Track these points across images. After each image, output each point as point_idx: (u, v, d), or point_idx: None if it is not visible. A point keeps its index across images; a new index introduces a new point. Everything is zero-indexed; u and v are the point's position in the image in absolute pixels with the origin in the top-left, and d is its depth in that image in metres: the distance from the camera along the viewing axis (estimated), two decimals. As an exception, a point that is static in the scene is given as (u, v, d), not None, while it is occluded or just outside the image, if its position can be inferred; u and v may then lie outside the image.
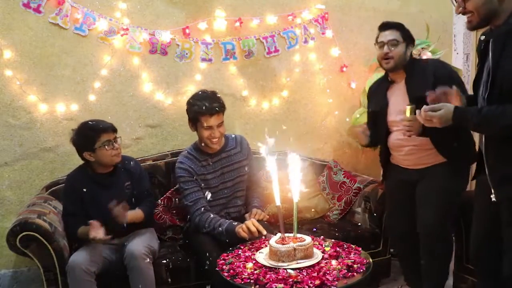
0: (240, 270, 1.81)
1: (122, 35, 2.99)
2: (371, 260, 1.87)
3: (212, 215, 2.40)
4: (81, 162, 2.48)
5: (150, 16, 3.09)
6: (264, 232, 2.20)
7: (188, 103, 2.48)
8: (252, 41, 3.28)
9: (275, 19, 3.33)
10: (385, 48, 2.32)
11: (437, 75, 2.20)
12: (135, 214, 2.44)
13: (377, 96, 2.51)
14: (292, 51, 3.42)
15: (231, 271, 1.82)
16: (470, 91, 1.96)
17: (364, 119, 2.90)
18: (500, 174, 1.74)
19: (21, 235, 2.22)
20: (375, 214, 2.84)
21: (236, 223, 2.31)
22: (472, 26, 1.78)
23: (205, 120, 2.38)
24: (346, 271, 1.75)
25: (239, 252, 2.01)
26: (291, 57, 3.43)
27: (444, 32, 3.69)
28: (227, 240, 2.28)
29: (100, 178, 2.44)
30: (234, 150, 2.59)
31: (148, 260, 2.30)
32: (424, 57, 3.14)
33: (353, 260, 1.83)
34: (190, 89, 3.15)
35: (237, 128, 3.28)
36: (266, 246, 1.98)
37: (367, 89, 2.79)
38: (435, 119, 1.77)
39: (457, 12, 1.79)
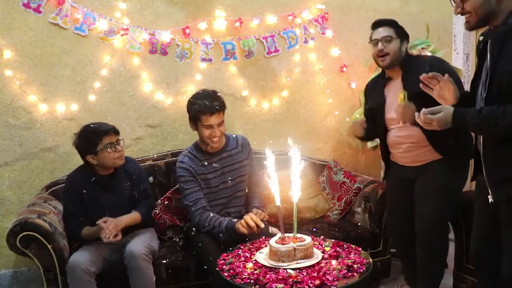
0: (240, 270, 1.81)
1: (122, 35, 2.99)
2: (371, 260, 1.87)
3: (212, 214, 2.40)
4: (81, 162, 2.47)
5: (150, 16, 3.09)
6: (262, 225, 2.22)
7: (189, 102, 2.48)
8: (252, 41, 3.28)
9: (275, 19, 3.33)
10: (379, 45, 2.32)
11: (434, 68, 2.18)
12: (133, 217, 2.44)
13: (374, 93, 2.51)
14: (292, 51, 3.42)
15: (231, 271, 1.82)
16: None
17: (364, 119, 2.91)
18: (497, 175, 1.74)
19: (21, 235, 2.22)
20: (375, 214, 2.85)
21: (235, 219, 2.32)
22: (470, 27, 1.78)
23: (205, 119, 2.38)
24: (346, 271, 1.75)
25: (239, 252, 2.01)
26: (291, 57, 3.43)
27: (444, 32, 3.69)
28: (228, 238, 2.28)
29: (100, 180, 2.44)
30: (235, 150, 2.59)
31: (148, 260, 2.30)
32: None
33: (353, 260, 1.83)
34: (190, 89, 3.15)
35: (237, 128, 3.28)
36: (266, 246, 1.98)
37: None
38: (434, 122, 1.77)
39: (456, 12, 1.79)
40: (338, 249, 1.96)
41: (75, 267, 2.20)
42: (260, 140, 3.11)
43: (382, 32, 2.34)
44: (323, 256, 1.88)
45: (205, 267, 2.24)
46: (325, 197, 3.16)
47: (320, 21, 3.46)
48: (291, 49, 3.41)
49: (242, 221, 2.25)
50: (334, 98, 3.57)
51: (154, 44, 3.08)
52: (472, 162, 1.99)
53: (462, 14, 1.77)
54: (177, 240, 2.76)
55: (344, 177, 3.16)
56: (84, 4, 2.93)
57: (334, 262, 1.82)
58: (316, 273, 1.72)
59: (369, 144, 3.35)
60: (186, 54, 3.16)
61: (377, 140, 2.80)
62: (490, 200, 1.77)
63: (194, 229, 2.52)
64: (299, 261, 1.80)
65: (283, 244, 1.83)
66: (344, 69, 3.56)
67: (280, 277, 1.70)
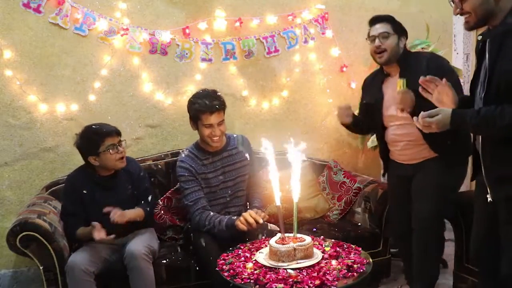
0: (240, 270, 1.81)
1: (122, 35, 2.99)
2: (371, 260, 1.87)
3: (212, 213, 2.41)
4: (81, 162, 2.47)
5: (150, 16, 3.09)
6: (261, 221, 2.22)
7: (189, 101, 2.48)
8: (252, 41, 3.28)
9: (275, 19, 3.33)
10: (377, 42, 2.30)
11: (430, 67, 2.19)
12: (136, 212, 2.43)
13: (372, 89, 2.50)
14: (292, 51, 3.42)
15: (231, 271, 1.82)
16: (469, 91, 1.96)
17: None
18: (495, 174, 1.75)
19: (21, 235, 2.22)
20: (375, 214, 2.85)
21: (235, 217, 2.32)
22: (469, 27, 1.78)
23: (205, 118, 2.39)
24: (346, 271, 1.74)
25: (239, 252, 2.01)
26: (291, 57, 3.43)
27: (444, 32, 3.69)
28: (228, 236, 2.29)
29: (101, 180, 2.44)
30: (236, 150, 2.59)
31: (148, 260, 2.30)
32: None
33: (353, 260, 1.83)
34: (190, 89, 3.15)
35: (237, 128, 3.28)
36: (266, 246, 1.98)
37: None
38: (433, 125, 1.77)
39: (455, 13, 1.79)
40: (338, 249, 1.96)
41: (74, 267, 2.20)
42: (260, 140, 3.10)
43: (379, 28, 2.32)
44: (323, 256, 1.88)
45: (198, 268, 2.23)
46: (325, 197, 3.16)
47: (320, 21, 3.46)
48: (291, 49, 3.41)
49: (241, 218, 2.25)
50: (334, 98, 3.57)
51: (154, 44, 3.08)
52: (471, 161, 1.99)
53: (461, 15, 1.77)
54: (177, 240, 2.76)
55: (344, 177, 3.16)
56: (84, 4, 2.93)
57: (334, 262, 1.82)
58: (316, 273, 1.72)
59: (369, 144, 3.35)
60: (186, 54, 3.16)
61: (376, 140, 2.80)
62: (489, 199, 1.78)
63: (190, 227, 2.53)
64: (299, 261, 1.80)
65: (283, 244, 1.83)
66: (344, 69, 3.56)
67: (280, 277, 1.70)
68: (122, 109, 3.08)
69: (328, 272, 1.73)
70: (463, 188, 2.93)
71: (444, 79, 1.86)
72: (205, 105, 2.38)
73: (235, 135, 2.67)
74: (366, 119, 2.54)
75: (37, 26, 2.87)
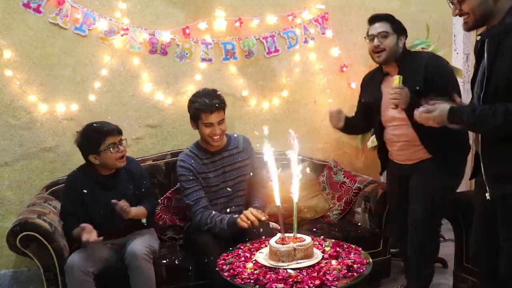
0: (240, 270, 1.81)
1: (122, 35, 2.99)
2: (371, 260, 1.87)
3: (213, 212, 2.41)
4: (81, 162, 2.47)
5: (150, 16, 3.09)
6: (263, 218, 2.22)
7: (190, 101, 2.49)
8: (252, 41, 3.28)
9: (275, 19, 3.33)
10: (375, 41, 2.29)
11: (429, 68, 2.19)
12: (138, 210, 2.43)
13: (371, 88, 2.48)
14: (292, 51, 3.42)
15: (231, 271, 1.82)
16: (469, 91, 1.97)
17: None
18: (494, 172, 1.76)
19: (21, 235, 2.22)
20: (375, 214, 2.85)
21: (236, 215, 2.33)
22: (468, 27, 1.79)
23: (205, 117, 2.39)
24: (346, 271, 1.74)
25: (239, 252, 2.01)
26: (291, 57, 3.43)
27: (444, 32, 3.69)
28: (230, 234, 2.30)
29: (102, 180, 2.43)
30: (236, 150, 2.60)
31: (149, 260, 2.30)
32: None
33: (353, 260, 1.83)
34: (190, 89, 3.15)
35: (237, 128, 3.28)
36: (266, 246, 1.98)
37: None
38: (431, 121, 1.78)
39: (454, 14, 1.80)
40: (338, 249, 1.96)
41: (73, 267, 2.20)
42: (260, 140, 3.10)
43: (378, 27, 2.31)
44: (323, 256, 1.88)
45: (201, 269, 2.23)
46: (325, 197, 3.16)
47: (320, 21, 3.46)
48: (291, 49, 3.41)
49: (243, 215, 2.26)
50: (334, 98, 3.57)
51: (154, 44, 3.08)
52: (469, 162, 1.99)
53: (460, 16, 1.78)
54: (177, 240, 2.76)
55: (344, 177, 3.16)
56: (84, 4, 2.93)
57: (334, 262, 1.82)
58: (316, 273, 1.72)
59: (369, 144, 3.35)
60: (186, 54, 3.16)
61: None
62: (488, 197, 1.78)
63: (190, 227, 2.53)
64: (299, 261, 1.80)
65: (283, 244, 1.83)
66: (344, 69, 3.56)
67: (280, 277, 1.70)
68: (122, 109, 3.08)
69: (328, 272, 1.73)
70: (463, 187, 2.94)
71: (457, 99, 1.84)
72: (205, 104, 2.38)
73: (235, 135, 2.67)
74: (364, 118, 2.53)
75: (37, 26, 2.86)
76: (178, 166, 2.50)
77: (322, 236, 2.17)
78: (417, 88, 2.15)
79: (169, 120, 3.20)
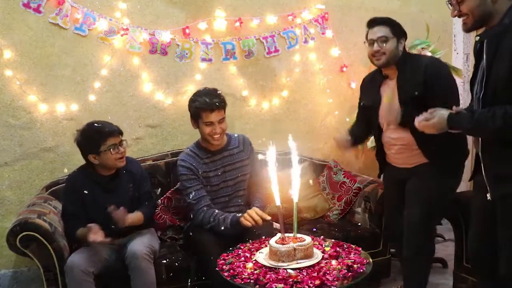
0: (240, 270, 1.81)
1: (122, 35, 2.99)
2: (371, 260, 1.87)
3: (216, 211, 2.41)
4: (81, 162, 2.47)
5: (150, 16, 3.09)
6: (268, 218, 2.21)
7: (190, 100, 2.49)
8: (252, 41, 3.28)
9: (275, 19, 3.33)
10: (375, 46, 2.26)
11: (428, 74, 2.16)
12: (135, 216, 2.42)
13: (370, 90, 2.46)
14: (292, 51, 3.43)
15: (231, 271, 1.82)
16: (469, 92, 1.97)
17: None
18: (495, 172, 1.76)
19: (21, 235, 2.21)
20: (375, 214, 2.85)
21: (240, 214, 2.33)
22: (467, 28, 1.79)
23: (205, 115, 2.39)
24: (346, 271, 1.74)
25: (239, 252, 2.01)
26: (291, 57, 3.43)
27: (444, 32, 3.69)
28: (233, 233, 2.31)
29: (102, 180, 2.43)
30: (237, 149, 2.60)
31: (150, 260, 2.30)
32: (422, 54, 3.13)
33: (353, 260, 1.83)
34: (190, 89, 3.15)
35: (237, 128, 3.28)
36: (266, 246, 1.98)
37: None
38: (431, 128, 1.79)
39: (453, 15, 1.80)
40: (338, 249, 1.96)
41: (73, 267, 2.20)
42: (260, 140, 3.11)
43: (378, 32, 2.27)
44: (323, 256, 1.88)
45: (198, 268, 2.22)
46: (325, 197, 3.16)
47: (320, 21, 3.46)
48: (291, 49, 3.41)
49: (246, 215, 2.26)
50: (334, 98, 3.57)
51: (154, 44, 3.09)
52: (468, 164, 2.00)
53: (459, 16, 1.78)
54: (177, 240, 2.76)
55: (344, 177, 3.16)
56: (84, 4, 2.93)
57: (334, 262, 1.81)
58: (316, 273, 1.72)
59: (369, 144, 3.34)
60: (186, 54, 3.16)
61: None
62: (489, 198, 1.78)
63: (190, 226, 2.53)
64: (299, 261, 1.79)
65: (283, 244, 1.83)
66: (344, 69, 3.56)
67: (280, 277, 1.70)
68: (122, 109, 3.08)
69: (328, 272, 1.73)
70: (463, 187, 2.94)
71: (454, 108, 1.83)
72: (205, 102, 2.38)
73: (236, 135, 2.67)
74: (366, 122, 2.51)
75: (37, 26, 2.86)
76: (179, 165, 2.50)
77: (322, 236, 2.17)
78: (416, 93, 2.14)
79: (169, 120, 3.20)
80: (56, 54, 2.92)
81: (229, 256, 1.97)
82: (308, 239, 1.88)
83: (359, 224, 2.95)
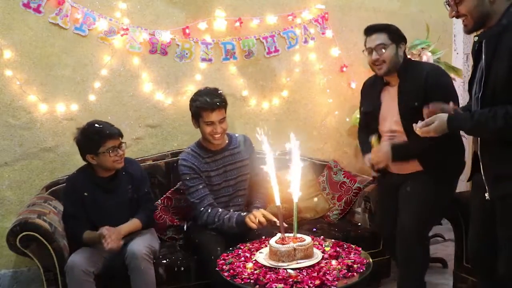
0: (240, 270, 1.81)
1: (122, 35, 2.99)
2: (371, 260, 1.87)
3: (220, 210, 2.42)
4: (81, 163, 2.46)
5: (150, 16, 3.09)
6: (274, 219, 2.21)
7: (191, 99, 2.49)
8: (252, 41, 3.28)
9: (275, 19, 3.33)
10: (374, 54, 2.23)
11: (429, 83, 2.14)
12: (132, 225, 2.42)
13: (370, 96, 2.43)
14: (292, 51, 3.43)
15: (231, 271, 1.82)
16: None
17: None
18: (494, 172, 1.76)
19: (21, 235, 2.21)
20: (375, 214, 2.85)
21: (244, 213, 2.34)
22: (468, 30, 1.79)
23: (206, 115, 2.39)
24: (346, 271, 1.74)
25: (239, 252, 2.01)
26: (291, 57, 3.43)
27: (444, 32, 3.69)
28: (237, 232, 2.32)
29: (101, 182, 2.42)
30: (238, 149, 2.60)
31: (149, 260, 2.30)
32: (424, 57, 3.12)
33: (353, 260, 1.83)
34: (190, 89, 3.15)
35: (237, 128, 3.28)
36: (266, 246, 1.98)
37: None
38: (432, 133, 1.80)
39: (451, 16, 1.80)
40: (338, 249, 1.96)
41: (73, 267, 2.20)
42: (259, 140, 3.10)
43: (376, 40, 2.23)
44: (323, 256, 1.88)
45: (198, 268, 2.22)
46: (325, 197, 3.16)
47: (320, 21, 3.46)
48: (291, 49, 3.41)
49: (252, 216, 2.26)
50: (334, 98, 3.57)
51: (154, 44, 3.09)
52: (468, 164, 1.99)
53: (457, 17, 1.78)
54: (177, 240, 2.76)
55: (344, 177, 3.16)
56: (84, 4, 2.93)
57: (334, 262, 1.82)
58: (316, 273, 1.72)
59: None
60: (186, 54, 3.16)
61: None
62: (487, 197, 1.78)
63: (190, 226, 2.56)
64: (299, 261, 1.80)
65: (283, 244, 1.83)
66: (344, 69, 3.56)
67: (280, 277, 1.70)
68: (122, 109, 3.08)
69: (328, 272, 1.73)
70: (463, 188, 2.94)
71: (451, 104, 1.84)
72: (206, 102, 2.38)
73: (237, 135, 2.68)
74: (368, 129, 2.46)
75: (37, 26, 2.86)
76: (181, 165, 2.50)
77: (322, 236, 2.17)
78: (416, 104, 2.10)
79: (169, 120, 3.20)
80: (56, 54, 2.92)
81: (229, 256, 1.97)
82: (308, 239, 1.88)
83: (359, 224, 2.95)
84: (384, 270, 2.87)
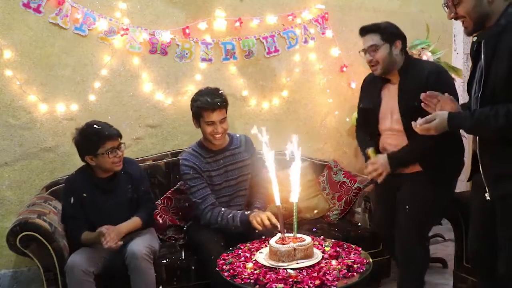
0: (240, 270, 1.81)
1: (122, 35, 2.99)
2: (371, 260, 1.87)
3: (223, 209, 2.42)
4: (81, 163, 2.46)
5: (150, 16, 3.09)
6: (278, 225, 2.21)
7: (192, 99, 2.49)
8: (252, 41, 3.28)
9: (275, 19, 3.33)
10: (367, 56, 2.23)
11: (430, 83, 2.12)
12: (133, 223, 2.42)
13: (370, 92, 2.40)
14: (292, 51, 3.42)
15: (231, 271, 1.82)
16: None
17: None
18: (494, 172, 1.76)
19: (21, 235, 2.22)
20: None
21: (248, 212, 2.35)
22: (468, 32, 1.78)
23: (207, 115, 2.39)
24: (346, 271, 1.75)
25: (239, 252, 2.01)
26: (291, 57, 3.43)
27: (444, 32, 3.69)
28: (241, 231, 2.34)
29: (100, 182, 2.42)
30: (239, 149, 2.60)
31: (149, 260, 2.29)
32: (424, 57, 3.12)
33: (353, 260, 1.83)
34: (190, 89, 3.15)
35: (237, 128, 3.28)
36: (266, 246, 1.98)
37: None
38: (432, 130, 1.79)
39: (449, 17, 1.79)
40: (338, 249, 1.96)
41: (73, 267, 2.20)
42: (259, 140, 3.10)
43: (368, 40, 2.23)
44: (323, 256, 1.88)
45: (197, 267, 2.23)
46: (325, 197, 3.16)
47: (320, 21, 3.46)
48: (291, 49, 3.41)
49: (258, 219, 2.26)
50: (334, 98, 3.57)
51: (154, 44, 3.08)
52: (466, 164, 1.99)
53: (455, 19, 1.78)
54: (177, 240, 2.76)
55: (344, 177, 3.16)
56: (84, 4, 2.93)
57: (334, 262, 1.82)
58: (316, 273, 1.72)
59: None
60: (186, 54, 3.16)
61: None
62: (487, 197, 1.78)
63: (190, 226, 2.56)
64: (299, 261, 1.80)
65: (283, 244, 1.83)
66: (344, 69, 3.56)
67: (280, 277, 1.70)
68: (122, 109, 3.08)
69: (328, 272, 1.73)
70: (463, 188, 2.94)
71: (446, 94, 1.86)
72: (207, 102, 2.38)
73: (238, 135, 2.68)
74: (367, 126, 2.46)
75: (37, 26, 2.86)
76: (182, 165, 2.50)
77: (322, 236, 2.17)
78: (416, 104, 2.06)
79: (169, 120, 3.20)
80: (56, 54, 2.92)
81: (229, 256, 1.97)
82: (308, 239, 1.88)
83: (359, 224, 2.95)
84: (384, 270, 2.87)
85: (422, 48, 3.18)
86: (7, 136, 2.87)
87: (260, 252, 1.95)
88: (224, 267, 1.86)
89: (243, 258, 1.93)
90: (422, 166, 2.23)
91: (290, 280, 1.67)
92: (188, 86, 3.19)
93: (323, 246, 2.01)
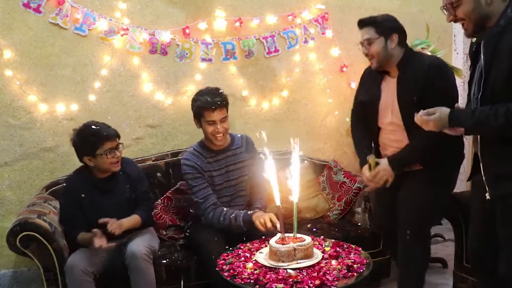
0: (240, 270, 1.81)
1: (122, 35, 2.99)
2: (371, 260, 1.87)
3: (225, 209, 2.42)
4: (80, 163, 2.47)
5: (150, 16, 3.09)
6: (278, 226, 2.21)
7: (192, 99, 2.49)
8: (252, 41, 3.28)
9: (275, 19, 3.33)
10: (363, 49, 2.23)
11: (429, 77, 2.11)
12: (132, 220, 2.42)
13: (369, 85, 2.37)
14: (292, 51, 3.42)
15: (231, 271, 1.82)
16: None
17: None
18: (494, 172, 1.75)
19: (21, 235, 2.22)
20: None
21: (250, 211, 2.36)
22: (468, 34, 1.78)
23: (208, 114, 2.39)
24: (346, 271, 1.75)
25: (239, 252, 2.01)
26: (291, 57, 3.43)
27: (444, 32, 3.69)
28: (243, 231, 2.34)
29: (99, 183, 2.42)
30: (240, 149, 2.60)
31: (149, 260, 2.29)
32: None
33: (353, 260, 1.83)
34: (190, 89, 3.15)
35: (237, 128, 3.28)
36: (266, 246, 1.98)
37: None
38: (431, 123, 1.77)
39: (449, 20, 1.79)
40: (338, 249, 1.96)
41: (73, 267, 2.20)
42: (260, 140, 3.10)
43: (364, 33, 2.22)
44: (323, 256, 1.88)
45: (197, 267, 2.23)
46: (325, 197, 3.16)
47: (320, 21, 3.46)
48: (291, 49, 3.41)
49: (262, 220, 2.25)
50: (334, 98, 3.57)
51: (154, 44, 3.08)
52: (466, 164, 1.99)
53: (455, 21, 1.78)
54: (177, 240, 2.76)
55: (344, 177, 3.16)
56: (84, 4, 2.93)
57: (334, 262, 1.82)
58: (316, 273, 1.72)
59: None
60: (186, 54, 3.16)
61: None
62: (488, 197, 1.78)
63: (190, 226, 2.56)
64: (299, 261, 1.80)
65: (283, 244, 1.83)
66: (344, 69, 3.56)
67: (280, 277, 1.70)
68: (122, 109, 3.08)
69: (328, 272, 1.73)
70: (463, 187, 2.94)
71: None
72: (207, 101, 2.39)
73: (239, 135, 2.68)
74: (364, 122, 2.43)
75: (37, 26, 2.86)
76: (183, 164, 2.50)
77: (322, 236, 2.17)
78: (414, 98, 2.09)
79: (169, 120, 3.20)
80: (56, 54, 2.92)
81: (229, 256, 1.97)
82: (308, 239, 1.88)
83: (359, 224, 2.95)
84: (384, 270, 2.87)
85: (422, 48, 3.18)
86: (7, 136, 2.87)
87: (260, 252, 1.95)
88: (224, 267, 1.87)
89: (243, 258, 1.94)
90: (422, 164, 2.23)
91: (290, 280, 1.67)
92: (188, 86, 3.19)
93: (323, 246, 2.01)
